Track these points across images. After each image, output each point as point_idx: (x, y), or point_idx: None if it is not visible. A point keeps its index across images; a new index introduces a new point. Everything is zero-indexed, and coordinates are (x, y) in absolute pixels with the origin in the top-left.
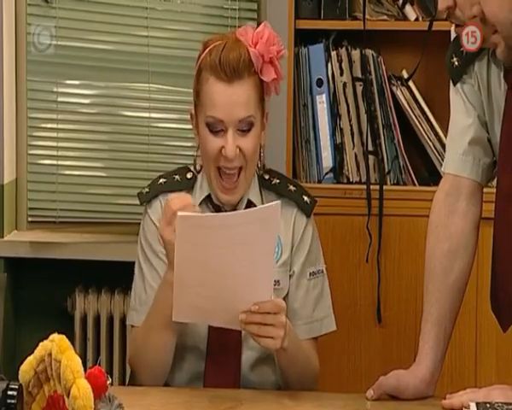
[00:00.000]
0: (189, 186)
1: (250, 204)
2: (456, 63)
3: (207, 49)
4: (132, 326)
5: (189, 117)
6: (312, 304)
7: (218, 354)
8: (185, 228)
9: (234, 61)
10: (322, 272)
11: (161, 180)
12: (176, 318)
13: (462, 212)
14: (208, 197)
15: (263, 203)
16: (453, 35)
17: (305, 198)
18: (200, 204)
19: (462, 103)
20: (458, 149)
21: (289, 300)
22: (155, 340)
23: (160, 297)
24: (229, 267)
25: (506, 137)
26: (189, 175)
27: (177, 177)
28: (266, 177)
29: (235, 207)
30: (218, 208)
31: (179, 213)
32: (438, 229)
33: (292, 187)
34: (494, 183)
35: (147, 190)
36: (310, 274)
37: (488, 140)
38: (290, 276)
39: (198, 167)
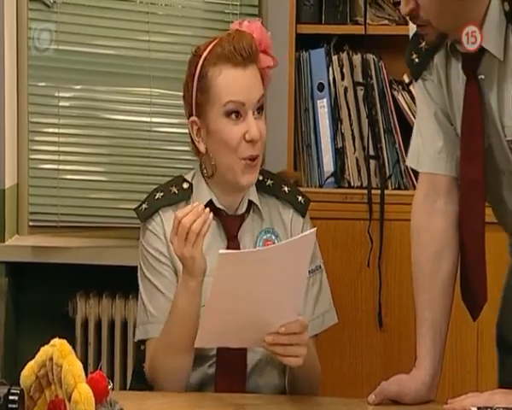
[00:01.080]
0: (186, 197)
1: (251, 204)
2: (417, 60)
3: (210, 47)
4: (147, 340)
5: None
6: (313, 301)
7: (227, 358)
8: (225, 264)
9: (247, 46)
10: (320, 267)
11: (158, 194)
12: (198, 344)
13: (441, 211)
14: (209, 203)
15: (261, 204)
16: (411, 32)
17: (300, 198)
18: None
19: (424, 99)
20: (427, 146)
21: None
22: (176, 363)
23: (184, 307)
24: (261, 295)
25: (466, 128)
26: (185, 185)
27: (173, 189)
28: (260, 178)
29: (236, 211)
30: (219, 213)
31: (220, 251)
32: (420, 233)
33: (286, 188)
34: None
35: (145, 206)
36: (309, 272)
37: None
38: None
39: (213, 170)
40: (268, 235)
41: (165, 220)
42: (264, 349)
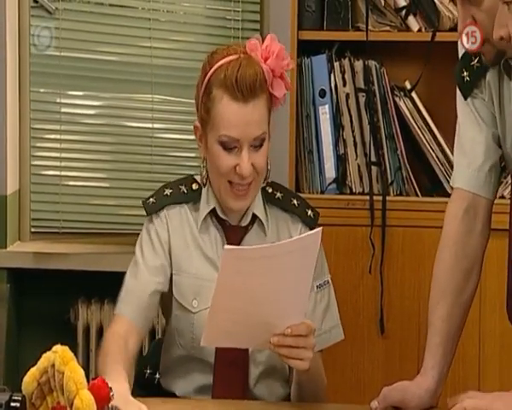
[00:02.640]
0: (194, 198)
1: (255, 218)
2: (468, 78)
3: (218, 64)
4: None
5: (190, 118)
6: (321, 317)
7: (226, 368)
8: (229, 260)
9: (250, 80)
10: (328, 282)
11: (168, 191)
12: (205, 343)
13: (479, 233)
14: (213, 211)
15: (267, 218)
16: (461, 50)
17: (309, 212)
18: (204, 218)
19: (473, 118)
20: (473, 164)
21: None
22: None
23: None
24: (267, 294)
25: None
26: (194, 186)
27: (183, 188)
28: (269, 190)
29: (239, 221)
30: (222, 222)
31: (225, 247)
32: (456, 246)
33: (295, 201)
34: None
35: (153, 200)
36: (317, 287)
37: (499, 156)
38: None
39: (204, 181)
40: None
41: (169, 218)
42: (266, 361)
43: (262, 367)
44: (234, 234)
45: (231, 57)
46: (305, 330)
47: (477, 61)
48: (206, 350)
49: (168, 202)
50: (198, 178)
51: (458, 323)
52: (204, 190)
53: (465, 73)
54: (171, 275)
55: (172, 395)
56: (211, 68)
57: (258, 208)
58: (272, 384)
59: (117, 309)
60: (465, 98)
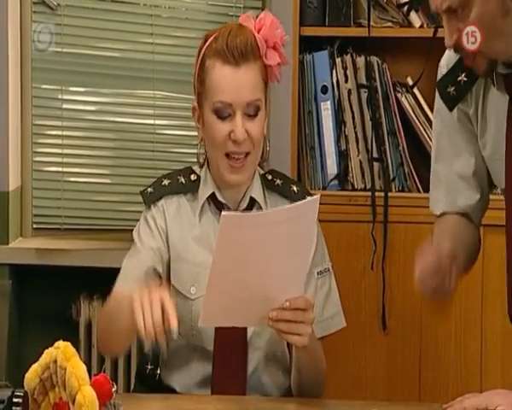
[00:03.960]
0: (193, 189)
1: (253, 201)
2: (454, 92)
3: (211, 38)
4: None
5: (191, 115)
6: (322, 303)
7: (225, 355)
8: (227, 227)
9: (241, 44)
10: (329, 269)
11: (166, 181)
12: (203, 322)
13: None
14: (211, 197)
15: (266, 203)
16: (444, 66)
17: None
18: (203, 205)
19: (458, 132)
20: (467, 184)
21: None
22: (116, 335)
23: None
24: (266, 265)
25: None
26: (193, 177)
27: (181, 178)
28: (269, 177)
29: (238, 206)
30: (220, 207)
31: (223, 213)
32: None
33: (295, 188)
34: (498, 190)
35: (151, 190)
36: (317, 273)
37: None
38: None
39: (202, 161)
40: None
41: (166, 207)
42: (265, 347)
43: (261, 353)
44: None
45: (223, 28)
46: (304, 303)
47: (464, 76)
48: (206, 337)
49: (166, 192)
50: (197, 169)
51: (463, 245)
52: (202, 178)
53: (451, 88)
54: (169, 263)
55: (172, 390)
56: (205, 44)
57: (257, 193)
58: (273, 372)
59: (114, 287)
60: (450, 110)
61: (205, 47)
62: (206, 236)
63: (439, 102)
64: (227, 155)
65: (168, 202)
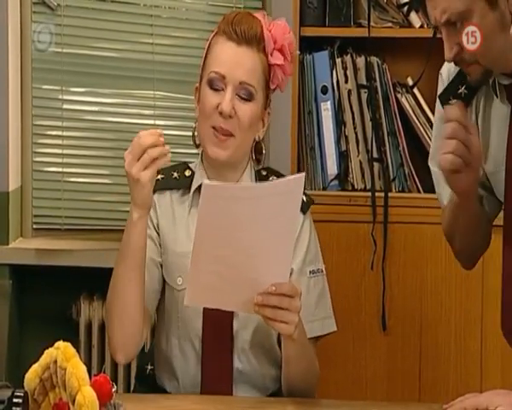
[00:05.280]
0: (186, 185)
1: None
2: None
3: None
4: None
5: (191, 114)
6: (314, 303)
7: (213, 346)
8: (210, 198)
9: (246, 25)
10: (322, 271)
11: (159, 176)
12: (189, 301)
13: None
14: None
15: None
16: (446, 79)
17: (303, 196)
18: (194, 191)
19: None
20: None
21: None
22: (122, 290)
23: (125, 239)
24: (249, 243)
25: None
26: (187, 173)
27: (175, 174)
28: (264, 173)
29: None
30: None
31: (205, 182)
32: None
33: None
34: None
35: None
36: (310, 272)
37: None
38: (290, 274)
39: (195, 139)
40: None
41: (158, 202)
42: (252, 338)
43: (247, 345)
44: None
45: (234, 12)
46: (290, 290)
47: (464, 89)
48: (192, 330)
49: (158, 187)
50: (192, 164)
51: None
52: (196, 173)
53: (453, 101)
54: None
55: (164, 390)
56: (215, 31)
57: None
58: (261, 363)
59: None
60: None
61: (215, 31)
62: (194, 226)
63: (439, 110)
64: (213, 127)
65: (161, 197)
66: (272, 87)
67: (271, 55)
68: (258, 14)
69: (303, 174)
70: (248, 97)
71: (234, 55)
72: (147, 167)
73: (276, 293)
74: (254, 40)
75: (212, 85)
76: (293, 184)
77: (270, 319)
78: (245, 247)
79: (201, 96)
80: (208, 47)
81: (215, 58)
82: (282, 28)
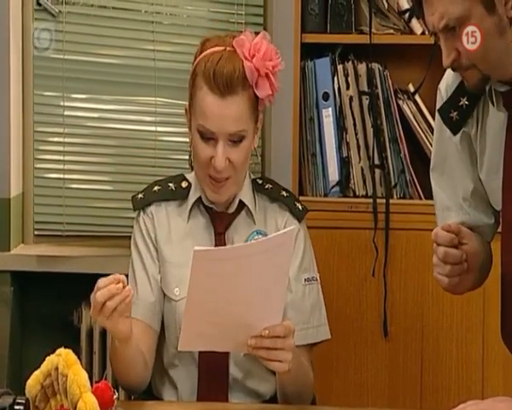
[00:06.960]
0: (183, 196)
1: (242, 205)
2: (457, 117)
3: (204, 54)
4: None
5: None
6: (309, 310)
7: (210, 355)
8: (200, 262)
9: (228, 75)
10: (317, 279)
11: (156, 188)
12: (182, 347)
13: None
14: (199, 199)
15: (255, 205)
16: (446, 91)
17: (298, 205)
18: (193, 206)
19: (460, 155)
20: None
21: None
22: (122, 363)
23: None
24: (242, 295)
25: (510, 166)
26: (183, 184)
27: (171, 185)
28: (260, 181)
29: (227, 208)
30: (208, 209)
31: (195, 248)
32: None
33: (285, 193)
34: None
35: (141, 196)
36: (305, 280)
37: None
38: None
39: (190, 163)
40: (259, 236)
41: (155, 213)
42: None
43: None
44: (221, 220)
45: (217, 49)
46: (283, 331)
47: (466, 100)
48: None
49: (155, 199)
50: (188, 176)
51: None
52: (193, 184)
53: (454, 113)
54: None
55: (158, 397)
56: (199, 55)
57: (247, 196)
58: (256, 371)
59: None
60: (454, 135)
61: (198, 60)
62: (192, 237)
63: (440, 126)
64: (210, 176)
65: (158, 209)
66: (261, 109)
67: (256, 85)
68: (239, 42)
69: (293, 228)
70: (240, 140)
71: (219, 110)
72: (110, 317)
73: (269, 336)
74: (238, 84)
75: (202, 136)
76: (284, 238)
77: (265, 358)
78: (238, 299)
79: (193, 141)
80: (194, 75)
81: (201, 111)
82: (263, 55)
